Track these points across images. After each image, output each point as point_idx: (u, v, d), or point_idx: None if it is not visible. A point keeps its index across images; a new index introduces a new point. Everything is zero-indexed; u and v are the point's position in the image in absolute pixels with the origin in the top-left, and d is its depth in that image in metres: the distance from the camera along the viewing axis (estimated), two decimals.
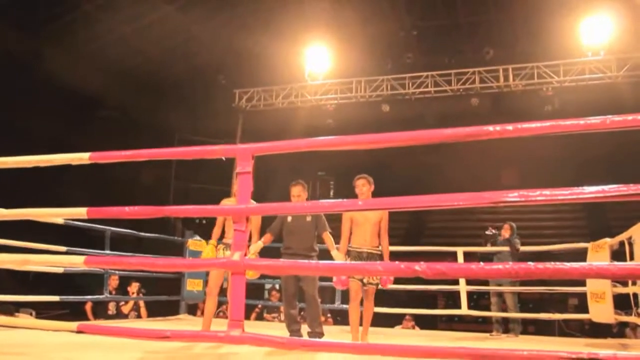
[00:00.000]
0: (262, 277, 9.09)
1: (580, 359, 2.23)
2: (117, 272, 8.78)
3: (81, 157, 3.30)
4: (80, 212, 3.22)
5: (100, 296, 7.80)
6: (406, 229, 18.28)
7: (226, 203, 5.60)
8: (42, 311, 11.42)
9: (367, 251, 5.16)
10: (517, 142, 16.83)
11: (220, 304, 7.41)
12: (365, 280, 5.16)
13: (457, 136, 2.57)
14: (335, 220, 5.31)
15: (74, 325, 3.08)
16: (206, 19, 13.54)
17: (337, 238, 5.38)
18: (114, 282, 9.05)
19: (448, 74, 12.21)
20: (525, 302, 13.76)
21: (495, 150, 18.01)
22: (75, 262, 3.21)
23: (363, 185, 5.22)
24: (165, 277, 9.07)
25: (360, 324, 5.36)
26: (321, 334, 5.57)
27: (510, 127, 2.49)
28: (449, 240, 13.62)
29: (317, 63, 12.96)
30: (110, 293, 8.80)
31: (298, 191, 5.47)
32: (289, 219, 5.60)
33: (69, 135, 12.81)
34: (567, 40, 11.55)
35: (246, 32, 13.69)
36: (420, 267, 2.43)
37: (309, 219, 5.56)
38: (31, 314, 10.83)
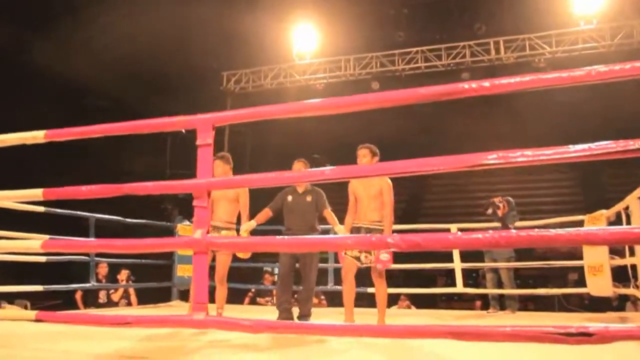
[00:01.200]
0: (257, 259, 9.00)
1: (568, 333, 2.03)
2: (104, 260, 8.65)
3: (36, 136, 3.10)
4: (36, 193, 3.03)
5: (87, 284, 7.61)
6: (403, 209, 18.13)
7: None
8: (37, 302, 11.30)
9: (365, 226, 4.85)
10: (511, 122, 16.68)
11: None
12: (363, 258, 4.82)
13: (432, 95, 2.36)
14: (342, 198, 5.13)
15: (32, 314, 2.90)
16: (190, 1, 13.28)
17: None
18: (103, 269, 8.87)
19: (438, 49, 11.95)
20: (524, 279, 13.65)
21: (488, 131, 17.92)
22: (32, 246, 3.00)
23: (364, 156, 4.85)
24: (156, 264, 8.91)
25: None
26: (309, 316, 5.42)
27: (486, 83, 2.27)
28: (446, 219, 13.43)
29: (305, 42, 12.70)
30: (100, 281, 8.64)
31: (299, 167, 5.31)
32: (289, 198, 5.47)
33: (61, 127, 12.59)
34: (558, 10, 11.27)
35: (232, 12, 13.39)
36: (393, 240, 2.23)
37: (309, 198, 5.42)
38: (26, 306, 10.70)
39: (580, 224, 6.63)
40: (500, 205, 7.44)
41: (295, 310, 5.51)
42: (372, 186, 4.95)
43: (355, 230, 4.88)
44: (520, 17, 12.38)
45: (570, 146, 2.13)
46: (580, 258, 6.71)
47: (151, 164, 15.97)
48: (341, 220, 5.15)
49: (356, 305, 5.59)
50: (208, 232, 2.60)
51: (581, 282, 7.51)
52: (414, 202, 19.03)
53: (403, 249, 2.23)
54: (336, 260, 5.47)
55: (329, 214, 5.39)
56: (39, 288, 6.87)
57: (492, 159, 2.20)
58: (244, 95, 13.59)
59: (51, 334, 3.45)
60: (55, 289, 7.24)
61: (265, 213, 5.46)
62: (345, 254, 4.88)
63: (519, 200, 7.99)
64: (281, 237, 4.96)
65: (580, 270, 8.69)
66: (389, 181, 4.95)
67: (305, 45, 12.67)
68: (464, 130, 16.73)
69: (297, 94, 13.27)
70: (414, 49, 12.07)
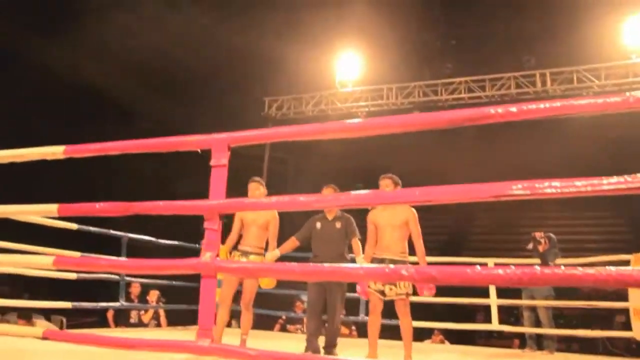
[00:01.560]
0: (286, 287, 8.87)
1: None
2: (136, 279, 8.66)
3: (55, 151, 3.06)
4: (51, 208, 2.98)
5: (116, 304, 7.61)
6: (446, 242, 17.80)
7: (236, 215, 5.33)
8: (73, 319, 11.41)
9: (390, 258, 4.69)
10: (531, 151, 16.23)
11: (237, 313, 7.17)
12: (387, 291, 4.73)
13: (457, 120, 2.22)
14: None
15: (39, 331, 2.83)
16: (236, 27, 13.41)
17: None
18: (135, 289, 8.90)
19: (482, 79, 11.71)
20: (568, 319, 13.14)
21: (506, 158, 17.52)
22: (44, 262, 2.94)
23: (386, 186, 4.74)
24: (188, 287, 8.88)
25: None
26: (335, 346, 5.27)
27: (514, 108, 2.12)
28: (489, 253, 13.10)
29: (348, 70, 12.63)
30: (132, 301, 8.65)
31: (329, 193, 5.22)
32: (318, 225, 5.36)
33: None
34: (608, 42, 10.93)
35: (276, 39, 13.50)
36: (407, 272, 2.08)
37: (338, 225, 5.30)
38: (61, 322, 10.81)
39: (626, 263, 6.30)
40: (542, 241, 7.15)
41: (323, 340, 5.38)
42: (396, 215, 4.82)
43: (378, 262, 4.71)
44: (568, 49, 12.09)
45: (604, 178, 1.95)
46: (626, 299, 6.39)
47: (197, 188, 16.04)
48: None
49: (387, 337, 5.45)
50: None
51: (628, 325, 7.18)
52: (458, 235, 18.69)
53: (417, 281, 2.08)
54: (353, 290, 5.29)
55: (356, 243, 5.24)
56: (67, 305, 6.88)
57: (517, 189, 2.04)
58: (285, 122, 13.55)
59: (62, 352, 3.39)
60: (84, 307, 7.24)
61: (291, 242, 5.37)
62: (369, 287, 4.79)
63: (564, 237, 7.72)
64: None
65: (628, 312, 8.31)
66: (414, 211, 4.82)
67: (348, 73, 12.60)
68: (487, 156, 16.50)
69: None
70: (458, 79, 11.85)
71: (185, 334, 7.21)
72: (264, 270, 2.38)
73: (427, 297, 4.85)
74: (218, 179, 2.58)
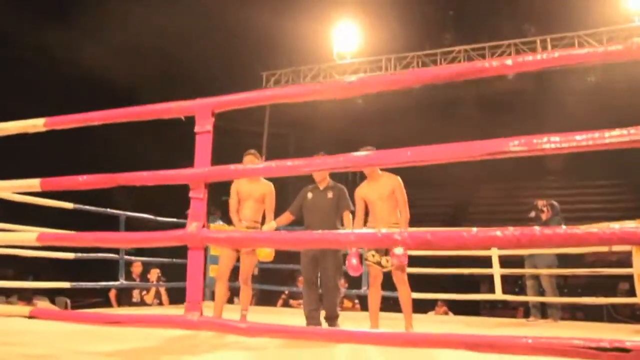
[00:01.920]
0: (288, 261, 8.84)
1: (601, 348, 1.75)
2: (138, 258, 8.61)
3: (36, 124, 2.96)
4: (33, 183, 2.88)
5: (116, 283, 7.55)
6: (449, 214, 17.74)
7: (238, 185, 5.23)
8: (77, 300, 11.40)
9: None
10: (562, 123, 16.15)
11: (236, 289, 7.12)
12: (383, 262, 4.72)
13: (449, 75, 2.10)
14: None
15: (26, 310, 2.75)
16: (231, 1, 13.18)
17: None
18: (137, 268, 8.88)
19: (482, 47, 11.47)
20: (573, 287, 13.12)
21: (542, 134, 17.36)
22: (27, 238, 2.85)
23: None
24: (179, 263, 8.83)
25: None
26: (336, 315, 5.18)
27: (509, 61, 1.99)
28: (492, 224, 12.94)
29: (346, 41, 12.43)
30: (134, 280, 8.61)
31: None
32: (309, 195, 5.23)
33: (109, 129, 12.72)
34: (610, 6, 10.69)
35: (272, 11, 13.27)
36: (400, 236, 1.98)
37: (330, 195, 5.16)
38: (66, 303, 10.79)
39: None
40: (544, 209, 7.05)
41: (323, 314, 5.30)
42: (382, 187, 4.78)
43: None
44: (569, 13, 11.84)
45: (606, 132, 1.84)
46: (631, 266, 6.29)
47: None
48: None
49: (389, 309, 5.39)
50: (204, 227, 2.39)
51: (632, 292, 7.11)
52: (460, 207, 18.60)
53: (412, 247, 1.97)
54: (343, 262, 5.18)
55: (347, 216, 5.10)
56: (66, 285, 6.83)
57: (514, 146, 1.93)
58: None
59: (52, 332, 3.32)
60: (83, 287, 7.19)
61: (286, 215, 5.27)
62: (367, 260, 4.76)
63: (567, 206, 7.60)
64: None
65: (631, 279, 8.23)
66: (399, 178, 4.79)
67: (346, 45, 12.40)
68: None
69: None
70: (457, 48, 11.63)
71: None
72: (251, 240, 2.28)
73: (395, 264, 4.66)
74: (203, 146, 2.48)
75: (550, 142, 1.88)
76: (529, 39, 11.18)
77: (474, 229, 1.91)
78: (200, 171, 2.43)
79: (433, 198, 18.00)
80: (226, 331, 2.28)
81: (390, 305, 6.19)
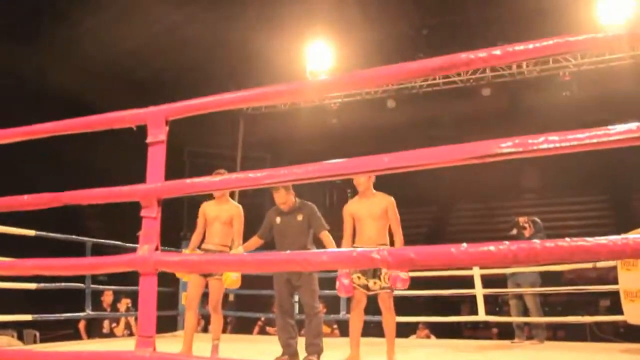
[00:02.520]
0: (267, 286, 8.52)
1: None
2: (104, 287, 8.25)
3: None
4: None
5: (82, 313, 7.16)
6: (425, 234, 17.53)
7: (205, 207, 4.98)
8: (48, 332, 10.97)
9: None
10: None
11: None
12: (371, 285, 4.47)
13: (426, 70, 1.86)
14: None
15: None
16: (201, 19, 12.95)
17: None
18: (107, 297, 8.51)
19: None
20: (553, 305, 12.94)
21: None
22: None
23: (360, 176, 4.46)
24: (161, 292, 8.48)
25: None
26: (319, 348, 4.88)
27: (498, 51, 1.76)
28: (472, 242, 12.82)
29: (319, 60, 12.21)
30: (104, 310, 8.25)
31: (282, 198, 4.84)
32: (278, 220, 4.93)
33: (86, 152, 12.42)
34: (583, 20, 10.64)
35: (245, 31, 13.06)
36: (379, 255, 1.71)
37: (300, 217, 4.86)
38: (35, 335, 10.35)
39: None
40: (526, 225, 6.84)
41: (300, 342, 4.98)
42: (374, 205, 4.55)
43: None
44: (542, 30, 11.79)
45: (611, 128, 1.60)
46: (612, 283, 6.14)
47: None
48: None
49: (370, 335, 5.13)
50: (157, 249, 2.10)
51: (614, 310, 6.96)
52: (437, 228, 18.41)
53: (392, 266, 1.71)
54: (332, 287, 4.92)
55: (326, 237, 4.80)
56: (27, 317, 6.45)
57: (507, 147, 1.69)
58: (257, 116, 13.18)
59: None
60: (45, 319, 6.82)
61: (255, 240, 5.00)
62: (353, 283, 4.48)
63: (547, 224, 7.38)
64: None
65: (612, 295, 8.07)
66: (392, 199, 4.58)
67: (319, 63, 12.18)
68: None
69: (311, 115, 12.83)
70: None
71: (162, 342, 6.80)
72: (209, 263, 2.00)
73: (400, 289, 4.53)
74: (155, 158, 2.21)
75: (548, 142, 1.64)
76: None
77: (464, 245, 1.66)
78: (151, 187, 2.15)
79: (408, 219, 17.76)
80: None
81: (370, 329, 5.92)
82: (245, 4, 13.07)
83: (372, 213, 4.54)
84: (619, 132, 1.59)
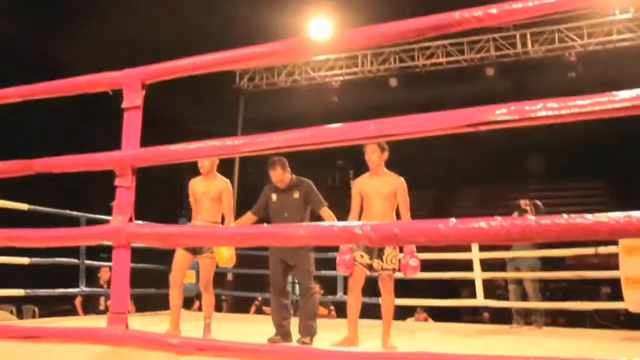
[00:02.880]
0: (262, 267, 8.44)
1: None
2: (100, 263, 8.15)
3: None
4: None
5: (76, 289, 7.08)
6: (426, 217, 17.36)
7: (193, 183, 4.86)
8: (46, 308, 10.98)
9: None
10: (547, 127, 16.07)
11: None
12: (375, 265, 4.36)
13: (419, 29, 1.72)
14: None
15: None
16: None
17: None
18: (104, 274, 8.41)
19: (460, 42, 11.13)
20: (553, 291, 12.84)
21: (522, 135, 17.16)
22: None
23: (373, 152, 4.39)
24: (156, 269, 8.42)
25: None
26: (313, 330, 4.78)
27: (494, 9, 1.61)
28: None
29: (320, 37, 11.98)
30: (101, 286, 8.16)
31: (279, 176, 4.76)
32: (274, 196, 4.82)
33: (86, 130, 12.32)
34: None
35: (242, 6, 12.84)
36: (362, 230, 1.58)
37: (296, 194, 4.75)
38: (34, 311, 10.35)
39: None
40: (528, 208, 6.70)
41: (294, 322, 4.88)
42: (384, 184, 4.41)
43: None
44: None
45: (615, 94, 1.47)
46: (613, 269, 6.03)
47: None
48: None
49: (367, 317, 5.04)
50: (130, 220, 1.98)
51: (615, 296, 6.86)
52: (440, 211, 18.25)
53: (376, 242, 1.59)
54: (329, 268, 4.83)
55: (327, 213, 4.69)
56: (20, 292, 6.36)
57: (502, 114, 1.55)
58: (257, 94, 12.99)
59: None
60: (38, 294, 6.74)
61: (248, 217, 4.88)
62: (355, 261, 4.35)
63: (549, 209, 7.23)
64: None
65: (613, 283, 7.97)
66: (403, 180, 4.46)
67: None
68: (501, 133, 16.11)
69: (312, 92, 12.66)
70: (435, 43, 11.28)
71: (150, 320, 6.71)
72: (183, 236, 1.88)
73: (411, 277, 4.42)
74: (131, 124, 2.08)
75: (546, 109, 1.51)
76: (508, 33, 10.86)
77: (452, 220, 1.53)
78: (126, 154, 2.03)
79: (410, 202, 17.63)
80: (154, 347, 1.88)
81: (369, 310, 5.82)
82: None
83: (380, 192, 4.42)
84: (624, 98, 1.45)
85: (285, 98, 13.03)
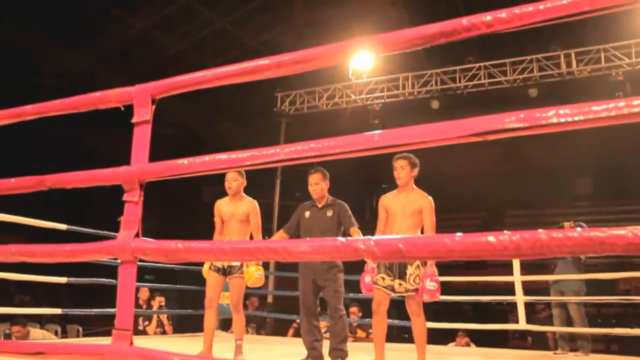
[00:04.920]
0: (292, 289, 8.38)
1: None
2: (141, 284, 8.21)
3: None
4: None
5: (112, 310, 7.11)
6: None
7: (220, 205, 4.86)
8: (91, 327, 11.17)
9: None
10: (592, 147, 15.55)
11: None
12: (397, 287, 4.23)
13: (425, 36, 1.65)
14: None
15: None
16: (242, 19, 12.95)
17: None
18: (143, 294, 8.48)
19: (503, 64, 10.97)
20: (606, 317, 12.43)
21: (568, 157, 16.77)
22: None
23: (402, 168, 4.33)
24: (194, 290, 8.46)
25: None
26: (344, 353, 4.70)
27: (503, 14, 1.54)
28: None
29: (361, 60, 11.98)
30: (140, 307, 8.22)
31: (316, 179, 4.77)
32: (307, 214, 4.81)
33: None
34: (637, 18, 10.09)
35: (286, 30, 12.98)
36: (364, 245, 1.52)
37: (329, 213, 4.73)
38: (78, 330, 10.52)
39: None
40: None
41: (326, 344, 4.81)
42: (410, 202, 4.31)
43: None
44: (594, 27, 11.29)
45: (634, 99, 1.36)
46: None
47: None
48: None
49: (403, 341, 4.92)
50: (137, 235, 1.96)
51: None
52: (487, 228, 17.94)
53: (379, 257, 1.52)
54: (357, 290, 4.74)
55: (356, 232, 4.65)
56: (57, 311, 6.45)
57: (511, 122, 1.47)
58: (298, 117, 13.03)
59: None
60: (74, 313, 6.81)
61: (280, 235, 4.88)
62: (376, 284, 4.26)
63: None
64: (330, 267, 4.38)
65: None
66: (431, 199, 4.32)
67: (362, 63, 11.93)
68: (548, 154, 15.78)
69: (353, 115, 12.64)
70: (477, 64, 11.13)
71: (186, 342, 6.72)
72: (191, 251, 1.84)
73: (427, 301, 4.25)
74: (140, 139, 2.06)
75: (558, 116, 1.41)
76: (552, 53, 10.64)
77: (459, 234, 1.44)
78: (134, 169, 2.01)
79: (457, 224, 17.43)
80: None
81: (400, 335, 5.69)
82: (281, 7, 12.96)
83: (404, 209, 4.33)
84: None
85: (327, 121, 13.04)
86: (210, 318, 4.74)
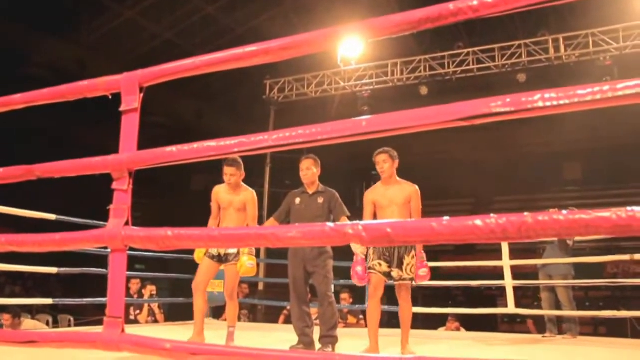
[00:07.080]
0: (283, 276, 8.42)
1: None
2: (131, 273, 8.21)
3: None
4: None
5: (103, 299, 7.11)
6: None
7: (219, 192, 4.85)
8: (80, 318, 11.15)
9: None
10: (581, 133, 15.60)
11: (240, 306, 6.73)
12: (394, 275, 4.35)
13: (411, 22, 1.65)
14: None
15: None
16: (230, 6, 12.88)
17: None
18: (134, 285, 8.47)
19: (491, 49, 10.98)
20: (594, 301, 12.57)
21: (557, 143, 16.84)
22: None
23: (384, 162, 4.43)
24: (185, 278, 8.47)
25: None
26: (334, 339, 4.71)
27: None
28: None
29: (350, 47, 11.94)
30: (131, 297, 8.22)
31: (308, 164, 4.76)
32: (297, 200, 4.81)
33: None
34: (625, 3, 10.12)
35: (274, 17, 12.93)
36: (353, 230, 1.53)
37: (320, 200, 4.73)
38: (69, 320, 10.51)
39: None
40: None
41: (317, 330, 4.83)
42: (397, 193, 4.41)
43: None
44: (582, 12, 11.33)
45: (619, 82, 1.38)
46: None
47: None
48: None
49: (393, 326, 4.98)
50: (127, 224, 1.96)
51: None
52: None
53: (367, 242, 1.53)
54: (348, 277, 4.79)
55: (347, 221, 4.68)
56: (48, 301, 6.44)
57: (497, 106, 1.48)
58: (287, 104, 13.00)
59: None
60: (66, 303, 6.81)
61: (271, 223, 4.86)
62: (373, 270, 4.34)
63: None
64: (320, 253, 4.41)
65: None
66: (417, 187, 4.45)
67: (350, 50, 11.91)
68: (537, 140, 15.80)
69: (342, 102, 12.64)
70: (465, 50, 11.16)
71: (179, 329, 6.73)
72: (180, 239, 1.84)
73: (418, 284, 4.43)
74: (129, 127, 2.06)
75: (544, 100, 1.43)
76: (541, 38, 10.67)
77: (446, 218, 1.46)
78: (123, 157, 2.01)
79: (447, 210, 17.52)
80: (148, 352, 1.84)
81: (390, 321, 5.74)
82: None
83: (394, 201, 4.42)
84: (627, 86, 1.36)
85: (316, 109, 13.06)
86: (199, 302, 4.74)
